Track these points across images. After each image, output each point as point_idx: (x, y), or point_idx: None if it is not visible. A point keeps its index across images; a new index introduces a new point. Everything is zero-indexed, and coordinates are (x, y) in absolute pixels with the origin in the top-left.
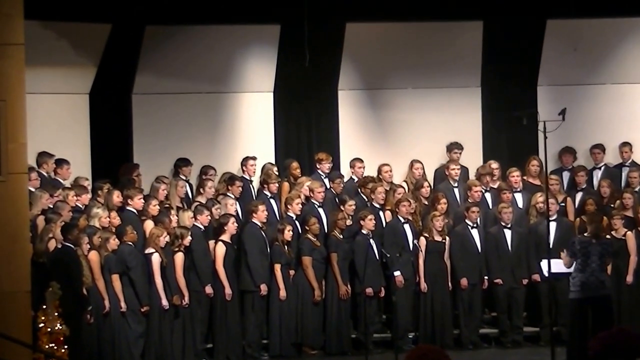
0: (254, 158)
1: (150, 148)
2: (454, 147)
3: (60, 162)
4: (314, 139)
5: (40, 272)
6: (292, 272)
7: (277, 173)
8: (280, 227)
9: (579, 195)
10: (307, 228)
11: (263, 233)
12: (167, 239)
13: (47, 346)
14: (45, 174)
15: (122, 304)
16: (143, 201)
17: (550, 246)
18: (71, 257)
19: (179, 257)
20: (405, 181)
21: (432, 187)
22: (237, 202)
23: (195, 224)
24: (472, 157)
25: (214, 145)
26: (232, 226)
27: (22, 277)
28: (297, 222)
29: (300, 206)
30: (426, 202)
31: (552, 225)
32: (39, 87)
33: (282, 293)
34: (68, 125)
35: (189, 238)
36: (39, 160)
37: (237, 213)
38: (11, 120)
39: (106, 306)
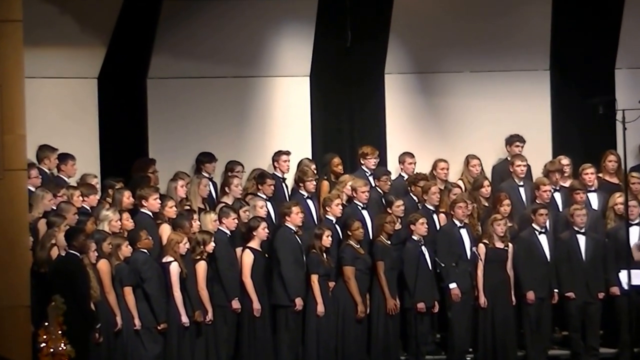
0: (288, 153)
1: (168, 141)
2: (515, 141)
3: (65, 157)
4: (357, 131)
5: (42, 284)
6: (331, 284)
7: (314, 170)
8: (318, 232)
9: None
10: (349, 233)
11: (298, 239)
12: (188, 245)
13: None
14: (47, 170)
15: (136, 321)
16: (159, 202)
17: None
18: (77, 266)
19: (201, 267)
20: (461, 179)
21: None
22: (269, 203)
23: (220, 228)
24: (540, 152)
25: (242, 138)
26: (262, 231)
27: (20, 289)
28: (337, 227)
29: (341, 208)
30: (486, 204)
31: (634, 230)
32: (39, 71)
33: (320, 308)
34: (73, 114)
35: (213, 244)
36: (40, 154)
37: (269, 216)
38: (8, 109)
39: (117, 323)
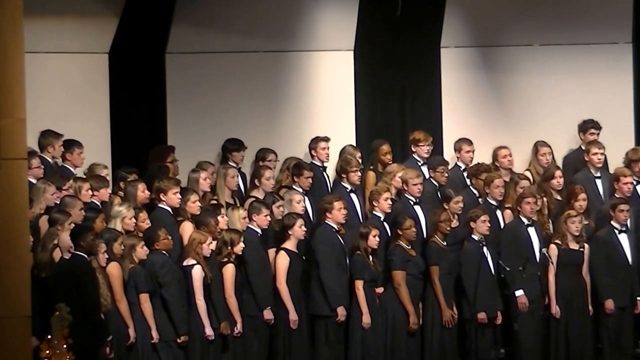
0: (327, 139)
1: (189, 125)
2: (589, 127)
3: (71, 145)
4: (409, 114)
5: (44, 291)
6: (379, 290)
7: (359, 159)
8: (363, 231)
9: None
10: (400, 232)
11: (340, 239)
12: (213, 246)
13: None
14: (50, 159)
15: (153, 333)
16: (180, 196)
17: None
18: (84, 270)
19: (229, 271)
20: (529, 169)
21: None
22: (306, 198)
23: (250, 226)
24: (620, 137)
25: (275, 122)
26: (299, 230)
27: (19, 297)
28: (385, 225)
29: (390, 203)
30: (559, 198)
31: None
32: (42, 45)
33: (366, 319)
34: (81, 95)
35: (242, 245)
36: (43, 141)
37: (306, 212)
38: (5, 89)
39: (131, 336)
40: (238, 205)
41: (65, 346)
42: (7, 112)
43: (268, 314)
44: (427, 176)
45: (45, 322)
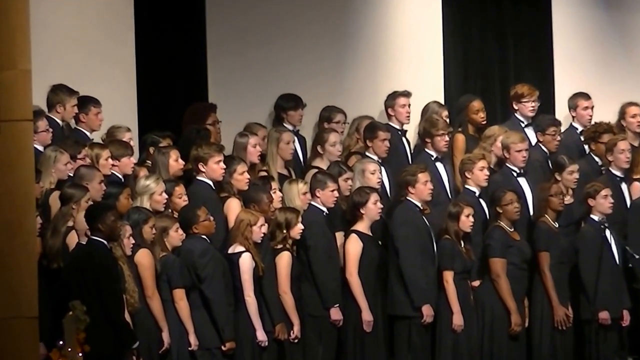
0: (408, 94)
1: (235, 79)
2: None
3: (86, 103)
4: (511, 63)
5: (55, 285)
6: (474, 283)
7: (447, 119)
8: (453, 211)
9: None
10: (500, 210)
11: (426, 220)
12: (265, 229)
13: None
14: (59, 121)
15: (191, 338)
16: (224, 166)
17: None
18: (103, 259)
19: (284, 260)
20: None
21: None
22: (382, 168)
23: (313, 204)
24: None
25: (342, 74)
26: (373, 207)
27: (24, 293)
28: (481, 201)
29: (488, 174)
30: None
31: None
32: None
33: (457, 319)
34: (100, 41)
35: (300, 227)
36: (53, 98)
37: (383, 186)
38: (6, 33)
39: (165, 341)
40: (296, 177)
41: (80, 354)
42: (8, 62)
43: (336, 314)
44: (533, 141)
45: (56, 325)
